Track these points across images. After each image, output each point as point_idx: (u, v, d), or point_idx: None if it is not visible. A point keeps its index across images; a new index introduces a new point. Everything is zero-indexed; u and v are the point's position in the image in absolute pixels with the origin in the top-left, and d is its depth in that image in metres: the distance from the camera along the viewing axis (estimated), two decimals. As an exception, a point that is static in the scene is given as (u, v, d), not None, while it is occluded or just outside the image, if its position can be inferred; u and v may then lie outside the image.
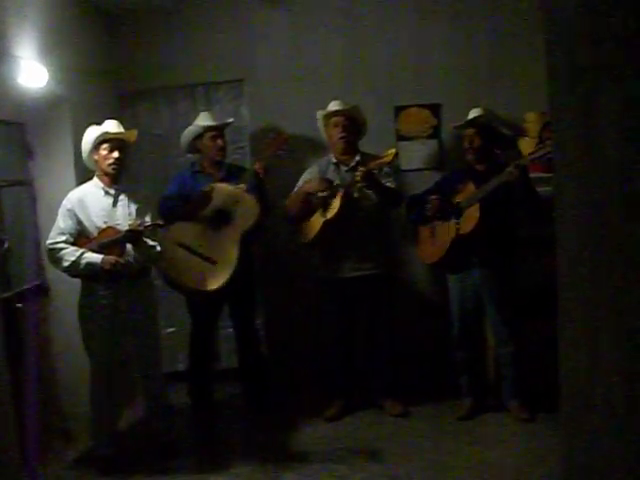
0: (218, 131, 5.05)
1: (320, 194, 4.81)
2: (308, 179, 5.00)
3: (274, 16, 5.73)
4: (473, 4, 5.52)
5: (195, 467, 4.44)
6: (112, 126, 4.48)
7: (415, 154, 5.63)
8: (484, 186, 4.49)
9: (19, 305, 4.37)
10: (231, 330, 5.41)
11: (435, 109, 5.62)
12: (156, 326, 4.75)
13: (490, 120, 4.78)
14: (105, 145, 4.42)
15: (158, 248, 4.53)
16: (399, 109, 5.65)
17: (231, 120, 5.34)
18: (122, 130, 4.52)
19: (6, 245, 4.40)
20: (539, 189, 4.59)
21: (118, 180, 4.51)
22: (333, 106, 4.98)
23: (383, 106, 5.59)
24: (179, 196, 4.94)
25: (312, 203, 4.86)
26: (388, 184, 4.81)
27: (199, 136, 5.06)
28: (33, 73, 4.32)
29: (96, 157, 4.46)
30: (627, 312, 1.96)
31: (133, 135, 4.61)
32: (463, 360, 4.93)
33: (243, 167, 5.27)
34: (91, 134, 4.44)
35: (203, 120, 5.08)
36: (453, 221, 4.66)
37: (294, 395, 5.54)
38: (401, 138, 5.65)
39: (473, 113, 4.81)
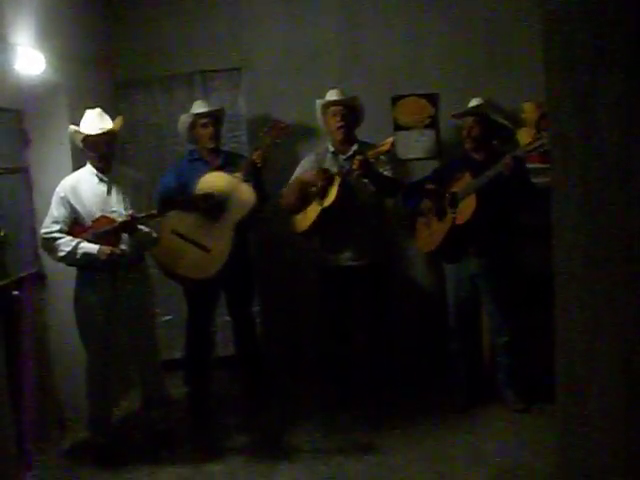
0: (209, 118, 5.03)
1: (317, 182, 4.80)
2: (305, 170, 5.00)
3: (272, 5, 5.71)
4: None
5: (191, 456, 4.45)
6: (91, 121, 4.39)
7: (412, 144, 5.62)
8: (480, 177, 4.49)
9: (16, 293, 4.36)
10: (228, 318, 5.42)
11: (433, 99, 5.61)
12: (152, 314, 4.76)
13: (489, 110, 4.77)
14: (88, 143, 4.39)
15: (154, 234, 4.52)
16: (396, 99, 5.64)
17: (220, 107, 5.29)
18: (105, 119, 4.42)
19: (2, 233, 4.39)
20: (536, 180, 4.59)
21: (110, 168, 4.49)
22: (332, 95, 4.96)
23: (380, 95, 5.58)
24: (177, 185, 4.93)
25: (309, 192, 4.85)
26: (385, 173, 4.81)
27: (193, 125, 5.05)
28: (30, 60, 4.30)
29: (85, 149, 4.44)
30: (624, 301, 1.96)
31: (117, 125, 4.52)
32: (459, 350, 4.93)
33: (241, 155, 5.26)
34: (70, 134, 4.42)
35: (195, 108, 5.08)
36: (449, 211, 4.66)
37: (290, 383, 5.55)
38: (398, 128, 5.64)
39: (473, 102, 4.80)
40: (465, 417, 4.73)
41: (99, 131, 4.38)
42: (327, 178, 4.77)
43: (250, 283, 5.28)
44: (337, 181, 4.71)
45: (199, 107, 5.07)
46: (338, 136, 4.93)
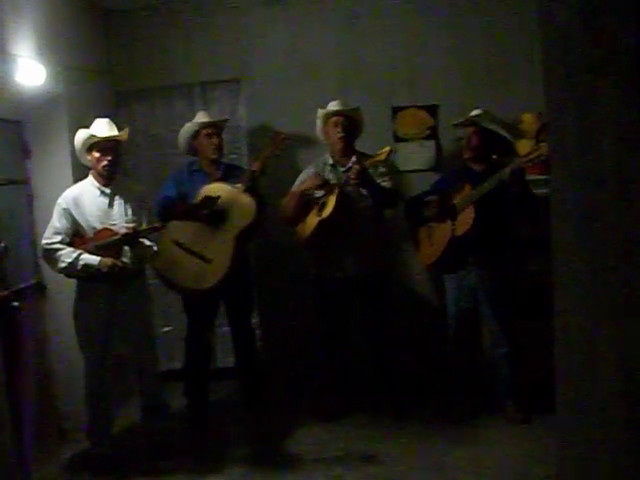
0: (213, 129, 5.05)
1: (316, 192, 4.81)
2: (303, 180, 5.01)
3: (272, 15, 5.73)
4: (470, 6, 5.52)
5: (191, 467, 4.43)
6: (102, 127, 4.44)
7: (412, 155, 5.62)
8: (479, 188, 4.49)
9: (16, 304, 4.35)
10: (227, 329, 5.42)
11: (432, 110, 5.62)
12: (151, 325, 4.76)
13: (489, 121, 4.78)
14: (97, 148, 4.41)
15: (155, 248, 4.53)
16: (397, 110, 5.65)
17: (226, 118, 5.35)
18: (114, 128, 4.48)
19: (3, 244, 4.39)
20: (537, 191, 4.59)
21: (113, 179, 4.50)
22: (335, 106, 4.97)
23: (381, 107, 5.60)
24: (177, 196, 4.94)
25: (308, 203, 4.86)
26: (384, 184, 4.82)
27: (196, 135, 5.06)
28: (30, 71, 4.32)
29: (89, 158, 4.46)
30: (624, 312, 1.96)
31: (124, 135, 4.58)
32: (458, 360, 4.93)
33: (240, 167, 5.27)
34: (80, 137, 4.43)
35: (200, 118, 5.08)
36: (449, 222, 4.67)
37: (290, 395, 5.54)
38: (398, 139, 5.65)
39: (474, 113, 4.80)
40: (465, 427, 4.73)
41: (110, 134, 4.42)
42: (325, 186, 4.77)
43: (250, 294, 5.28)
44: (335, 192, 4.72)
45: (203, 117, 5.08)
46: (338, 146, 4.94)
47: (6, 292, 4.35)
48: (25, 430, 4.12)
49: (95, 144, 4.40)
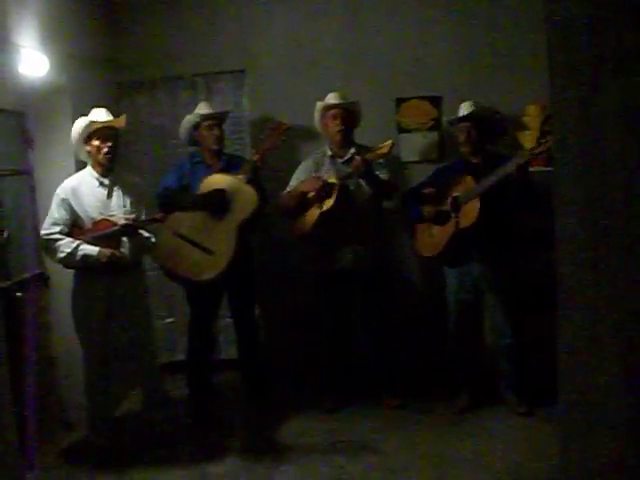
0: (215, 120, 5.05)
1: (314, 193, 4.82)
2: (303, 174, 5.02)
3: (275, 6, 5.71)
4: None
5: (192, 457, 4.44)
6: (100, 115, 4.45)
7: (416, 146, 5.62)
8: (483, 181, 4.48)
9: (19, 294, 4.36)
10: (230, 320, 5.42)
11: (436, 101, 5.61)
12: (149, 316, 4.76)
13: (482, 112, 4.78)
14: (96, 136, 4.41)
15: (153, 239, 4.54)
16: (400, 101, 5.64)
17: (228, 110, 5.35)
18: (111, 118, 4.49)
19: (6, 234, 4.40)
20: (540, 182, 4.59)
21: (112, 170, 4.50)
22: (333, 99, 4.98)
23: (384, 98, 5.58)
24: (179, 187, 4.94)
25: (308, 199, 4.86)
26: (382, 176, 4.83)
27: (197, 127, 5.06)
28: (33, 62, 4.32)
29: (88, 148, 4.45)
30: (626, 306, 1.96)
31: (122, 121, 4.57)
32: (460, 353, 4.93)
33: (243, 157, 5.26)
34: (79, 126, 4.43)
35: (201, 109, 5.08)
36: (452, 215, 4.66)
37: (292, 386, 5.54)
38: (402, 130, 5.63)
39: (464, 107, 4.79)
40: (467, 420, 4.73)
41: (107, 118, 4.44)
42: (324, 187, 4.77)
43: (252, 285, 5.27)
44: (336, 186, 4.73)
45: (205, 108, 5.08)
46: (337, 138, 4.96)
47: (9, 283, 4.36)
48: (28, 420, 4.13)
49: (94, 132, 4.40)
